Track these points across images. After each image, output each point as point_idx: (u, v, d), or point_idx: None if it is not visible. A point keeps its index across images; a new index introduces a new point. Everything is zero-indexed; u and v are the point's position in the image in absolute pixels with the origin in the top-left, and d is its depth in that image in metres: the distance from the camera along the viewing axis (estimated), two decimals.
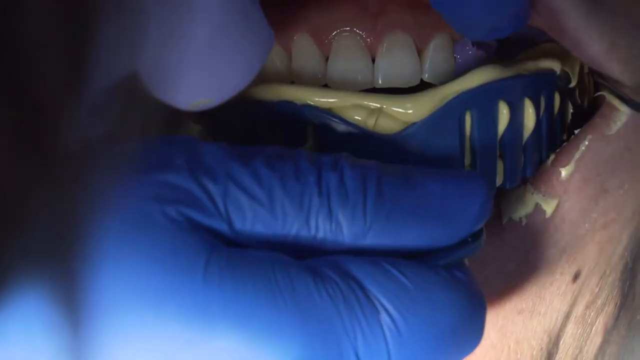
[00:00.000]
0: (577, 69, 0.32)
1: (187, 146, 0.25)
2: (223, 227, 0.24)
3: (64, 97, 0.18)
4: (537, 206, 0.31)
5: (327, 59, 0.31)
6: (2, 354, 0.22)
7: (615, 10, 0.28)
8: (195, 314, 0.22)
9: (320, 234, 0.24)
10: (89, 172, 0.20)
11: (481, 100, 0.29)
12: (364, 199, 0.24)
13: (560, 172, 0.31)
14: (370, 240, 0.25)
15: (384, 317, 0.24)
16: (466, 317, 0.25)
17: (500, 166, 0.30)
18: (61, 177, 0.18)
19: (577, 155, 0.30)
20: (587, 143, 0.31)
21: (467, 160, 0.30)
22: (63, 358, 0.20)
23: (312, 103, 0.29)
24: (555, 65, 0.31)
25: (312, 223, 0.24)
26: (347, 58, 0.30)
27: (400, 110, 0.28)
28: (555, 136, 0.32)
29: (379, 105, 0.28)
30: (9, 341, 0.22)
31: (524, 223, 0.31)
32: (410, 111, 0.28)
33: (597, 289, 0.32)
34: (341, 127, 0.29)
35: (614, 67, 0.29)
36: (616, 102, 0.30)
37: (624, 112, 0.30)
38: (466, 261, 0.27)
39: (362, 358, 0.23)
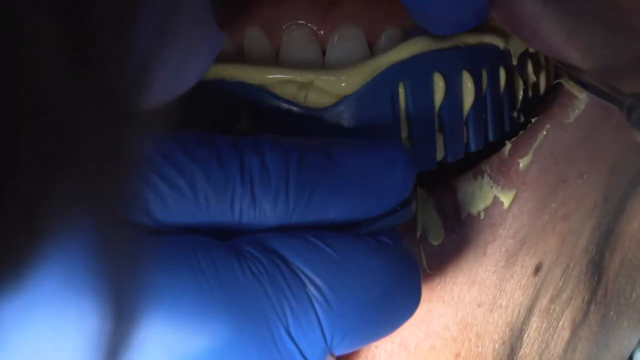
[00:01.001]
0: (521, 48, 0.31)
1: None
2: (143, 218, 0.24)
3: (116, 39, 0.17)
4: (496, 199, 0.30)
5: (278, 52, 0.30)
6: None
7: None
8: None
9: (245, 219, 0.24)
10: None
11: (414, 72, 0.28)
12: (286, 182, 0.24)
13: (518, 164, 0.30)
14: (296, 219, 0.24)
15: (311, 289, 0.23)
16: (396, 280, 0.25)
17: (440, 140, 0.30)
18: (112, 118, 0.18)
19: (535, 145, 0.30)
20: (545, 132, 0.30)
21: (404, 133, 0.29)
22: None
23: (243, 80, 0.28)
24: (498, 42, 0.30)
25: (236, 210, 0.24)
26: (298, 50, 0.30)
27: (331, 82, 0.28)
28: (504, 113, 0.31)
29: (309, 79, 0.28)
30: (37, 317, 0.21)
31: (482, 217, 0.30)
32: (343, 84, 0.28)
33: (561, 283, 0.32)
34: (274, 103, 0.28)
35: (573, 56, 0.28)
36: (575, 90, 0.29)
37: (582, 99, 0.29)
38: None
39: (293, 333, 0.23)
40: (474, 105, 0.30)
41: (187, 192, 0.24)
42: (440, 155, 0.30)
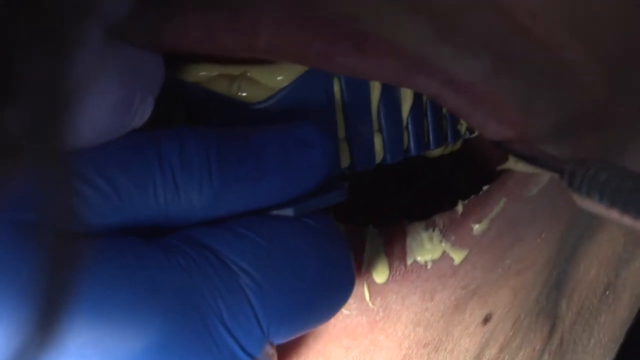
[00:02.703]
0: None
1: None
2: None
3: None
4: (445, 253, 0.29)
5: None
6: None
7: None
8: None
9: (172, 211, 0.24)
10: None
11: None
12: (209, 168, 0.24)
13: (471, 227, 0.29)
14: (225, 208, 0.24)
15: (244, 279, 0.24)
16: (325, 262, 0.25)
17: (379, 141, 0.30)
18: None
19: (491, 215, 0.28)
20: (502, 205, 0.28)
21: (342, 132, 0.29)
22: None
23: (177, 77, 0.28)
24: None
25: (161, 201, 0.24)
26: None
27: (264, 73, 0.27)
28: (447, 124, 0.31)
29: (241, 71, 0.28)
30: None
31: (429, 267, 0.29)
32: (279, 77, 0.28)
33: (511, 333, 0.31)
34: (209, 99, 0.28)
35: (532, 125, 0.27)
36: (531, 170, 0.27)
37: (545, 173, 0.27)
38: None
39: (229, 325, 0.23)
40: (413, 110, 0.29)
41: (108, 190, 0.23)
42: (379, 157, 0.30)
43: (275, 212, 0.25)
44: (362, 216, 0.29)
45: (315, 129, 0.26)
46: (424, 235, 0.29)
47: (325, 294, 0.25)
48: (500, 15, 0.27)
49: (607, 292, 0.34)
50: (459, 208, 0.29)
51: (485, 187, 0.29)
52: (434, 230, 0.29)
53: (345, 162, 0.30)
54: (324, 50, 0.25)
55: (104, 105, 0.22)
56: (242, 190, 0.24)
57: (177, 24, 0.24)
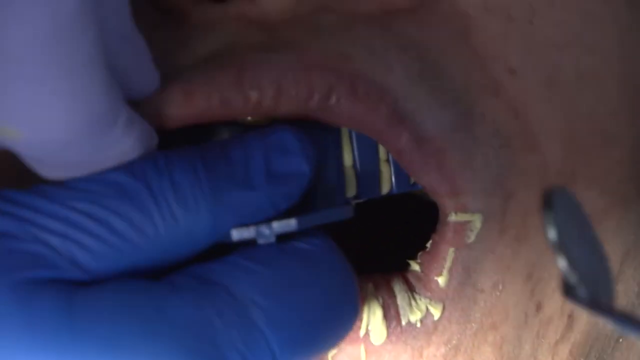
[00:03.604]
0: None
1: (8, 200, 0.24)
2: (75, 273, 0.24)
3: None
4: (428, 310, 0.31)
5: None
6: None
7: None
8: None
9: (173, 243, 0.25)
10: None
11: None
12: (201, 186, 0.25)
13: (437, 281, 0.31)
14: (221, 225, 0.25)
15: (254, 310, 0.24)
16: (330, 287, 0.26)
17: (387, 171, 0.30)
18: None
19: (447, 265, 0.31)
20: (453, 255, 0.31)
21: (348, 160, 0.30)
22: None
23: None
24: None
25: (162, 234, 0.24)
26: None
27: None
28: None
29: None
30: None
31: (418, 325, 0.31)
32: None
33: None
34: (213, 123, 0.28)
35: None
36: (465, 216, 0.30)
37: (476, 219, 0.30)
38: None
39: (246, 354, 0.24)
40: None
41: (108, 236, 0.24)
42: (387, 186, 0.31)
43: (276, 223, 0.26)
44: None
45: (293, 133, 0.27)
46: (409, 295, 0.32)
47: (333, 320, 0.26)
48: (478, 68, 0.29)
49: (621, 340, 0.34)
50: (415, 267, 0.32)
51: (429, 241, 0.32)
52: (413, 289, 0.32)
53: (351, 191, 0.30)
54: (324, 94, 0.27)
55: (90, 108, 0.22)
56: (235, 201, 0.25)
57: (186, 96, 0.27)
